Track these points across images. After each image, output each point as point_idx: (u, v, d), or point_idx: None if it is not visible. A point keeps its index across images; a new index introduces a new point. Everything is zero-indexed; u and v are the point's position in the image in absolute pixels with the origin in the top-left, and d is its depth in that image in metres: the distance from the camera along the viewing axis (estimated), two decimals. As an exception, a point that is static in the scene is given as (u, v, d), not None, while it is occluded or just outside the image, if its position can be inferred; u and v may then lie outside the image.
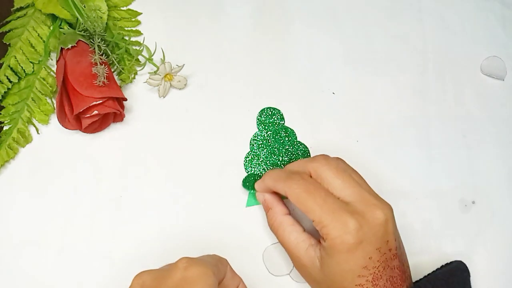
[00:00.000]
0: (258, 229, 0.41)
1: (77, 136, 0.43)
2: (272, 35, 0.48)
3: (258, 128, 0.44)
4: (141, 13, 0.48)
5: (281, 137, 0.44)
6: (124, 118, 0.43)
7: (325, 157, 0.37)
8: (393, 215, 0.34)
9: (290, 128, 0.44)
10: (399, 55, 0.48)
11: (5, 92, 0.43)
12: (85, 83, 0.40)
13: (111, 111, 0.41)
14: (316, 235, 0.36)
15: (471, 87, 0.47)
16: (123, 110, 0.42)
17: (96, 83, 0.39)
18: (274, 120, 0.45)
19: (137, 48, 0.45)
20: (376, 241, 0.32)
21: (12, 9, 0.45)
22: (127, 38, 0.46)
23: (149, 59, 0.45)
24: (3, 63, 0.44)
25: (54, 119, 0.44)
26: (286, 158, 0.43)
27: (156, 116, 0.45)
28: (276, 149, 0.43)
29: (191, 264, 0.31)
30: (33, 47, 0.44)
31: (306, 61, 0.47)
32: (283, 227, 0.37)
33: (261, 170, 0.43)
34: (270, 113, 0.45)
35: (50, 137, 0.43)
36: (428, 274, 0.37)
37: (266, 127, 0.44)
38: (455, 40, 0.49)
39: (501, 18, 0.50)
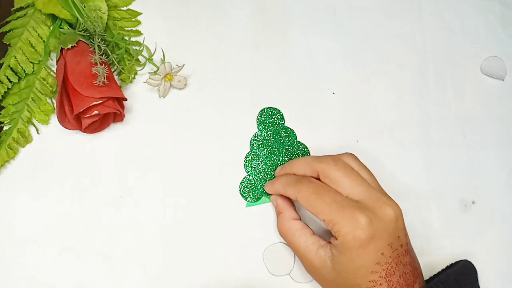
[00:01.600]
0: (258, 229, 0.41)
1: (77, 136, 0.43)
2: (272, 35, 0.48)
3: (258, 128, 0.44)
4: (141, 13, 0.48)
5: (281, 137, 0.44)
6: (124, 118, 0.43)
7: (333, 157, 0.37)
8: (402, 212, 0.34)
9: (290, 128, 0.44)
10: (399, 55, 0.48)
11: (5, 92, 0.43)
12: (85, 83, 0.39)
13: (111, 111, 0.41)
14: (325, 237, 0.36)
15: (471, 87, 0.47)
16: (123, 110, 0.42)
17: (96, 83, 0.39)
18: (274, 120, 0.44)
19: (137, 48, 0.45)
20: (388, 237, 0.33)
21: (12, 9, 0.45)
22: (127, 38, 0.46)
23: (149, 59, 0.45)
24: (3, 63, 0.44)
25: (54, 119, 0.44)
26: (286, 158, 0.43)
27: (156, 116, 0.45)
28: (276, 149, 0.43)
29: None
30: (33, 47, 0.44)
31: (306, 61, 0.47)
32: (292, 232, 0.37)
33: (260, 170, 0.43)
34: (270, 113, 0.45)
35: (50, 137, 0.43)
36: (439, 273, 0.37)
37: (266, 127, 0.44)
38: (455, 40, 0.49)
39: (501, 18, 0.50)
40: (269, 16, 0.49)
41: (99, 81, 0.39)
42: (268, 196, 0.42)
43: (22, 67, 0.44)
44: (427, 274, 0.39)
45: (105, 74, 0.40)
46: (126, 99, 0.42)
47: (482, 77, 0.48)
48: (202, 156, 0.43)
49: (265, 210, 0.42)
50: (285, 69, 0.47)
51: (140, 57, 0.45)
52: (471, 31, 0.50)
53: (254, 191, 0.42)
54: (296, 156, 0.43)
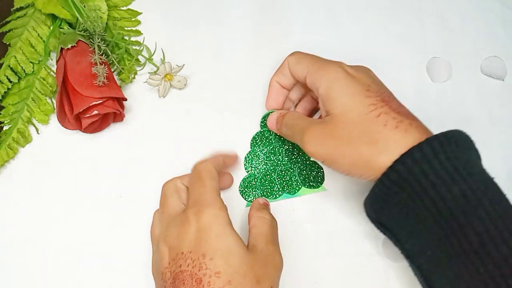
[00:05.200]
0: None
1: (77, 136, 0.43)
2: (272, 35, 0.48)
3: (260, 127, 0.44)
4: (141, 13, 0.48)
5: (281, 136, 0.43)
6: (124, 118, 0.43)
7: None
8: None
9: None
10: (399, 55, 0.48)
11: (5, 92, 0.43)
12: (85, 83, 0.40)
13: (111, 111, 0.41)
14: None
15: (471, 87, 0.47)
16: (123, 110, 0.42)
17: (96, 83, 0.39)
18: None
19: (137, 48, 0.45)
20: (367, 79, 0.35)
21: (12, 9, 0.45)
22: (127, 38, 0.46)
23: (149, 59, 0.45)
24: (3, 63, 0.44)
25: (54, 119, 0.44)
26: (286, 158, 0.43)
27: (156, 116, 0.45)
28: (276, 149, 0.43)
29: (199, 211, 0.32)
30: (33, 47, 0.44)
31: (306, 61, 0.47)
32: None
33: (260, 170, 0.43)
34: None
35: (50, 137, 0.43)
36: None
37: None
38: (455, 40, 0.49)
39: (501, 18, 0.50)
40: (269, 16, 0.49)
41: (99, 81, 0.39)
42: (269, 196, 0.42)
43: (22, 67, 0.44)
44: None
45: (105, 74, 0.40)
46: (126, 99, 0.42)
47: (482, 77, 0.48)
48: (202, 156, 0.43)
49: (265, 210, 0.42)
50: (285, 69, 0.47)
51: (140, 57, 0.45)
52: (471, 31, 0.50)
53: (254, 191, 0.42)
54: (296, 157, 0.43)
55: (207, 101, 0.45)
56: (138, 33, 0.47)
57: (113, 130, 0.44)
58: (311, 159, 0.43)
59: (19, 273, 0.39)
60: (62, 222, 0.41)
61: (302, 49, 0.48)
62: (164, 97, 0.45)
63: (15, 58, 0.44)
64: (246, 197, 0.42)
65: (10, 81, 0.43)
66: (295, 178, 0.42)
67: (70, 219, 0.41)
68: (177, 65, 0.44)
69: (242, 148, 0.44)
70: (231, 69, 0.46)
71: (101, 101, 0.39)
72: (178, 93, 0.45)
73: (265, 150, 0.43)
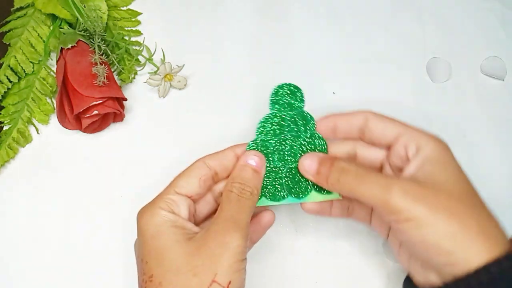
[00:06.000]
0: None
1: (77, 136, 0.43)
2: (272, 35, 0.48)
3: (270, 109, 0.36)
4: (141, 13, 0.48)
5: (297, 125, 0.35)
6: (124, 118, 0.43)
7: None
8: None
9: (310, 115, 0.36)
10: (399, 55, 0.48)
11: (5, 92, 0.43)
12: (85, 83, 0.40)
13: (111, 111, 0.41)
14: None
15: (471, 87, 0.47)
16: (123, 110, 0.42)
17: (96, 83, 0.39)
18: (293, 101, 0.36)
19: (137, 48, 0.45)
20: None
21: (12, 9, 0.45)
22: (127, 38, 0.46)
23: (149, 59, 0.45)
24: (3, 63, 0.44)
25: (54, 119, 0.44)
26: (298, 155, 0.35)
27: (156, 116, 0.45)
28: (288, 141, 0.35)
29: (139, 215, 0.32)
30: (33, 47, 0.44)
31: (306, 61, 0.47)
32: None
33: (269, 164, 0.35)
34: (288, 91, 0.36)
35: (50, 137, 0.43)
36: None
37: (281, 110, 0.36)
38: (455, 40, 0.49)
39: (501, 18, 0.50)
40: (269, 16, 0.49)
41: (99, 81, 0.39)
42: (271, 197, 0.35)
43: (22, 67, 0.44)
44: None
45: (105, 74, 0.40)
46: (126, 99, 0.42)
47: (482, 77, 0.48)
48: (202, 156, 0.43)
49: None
50: (285, 69, 0.47)
51: (140, 57, 0.45)
52: (471, 31, 0.50)
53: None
54: (311, 150, 0.35)
55: (207, 101, 0.45)
56: (138, 33, 0.47)
57: (113, 130, 0.44)
58: None
59: (19, 273, 0.39)
60: (62, 222, 0.41)
61: (302, 49, 0.48)
62: (164, 97, 0.45)
63: (15, 58, 0.44)
64: None
65: (10, 81, 0.43)
66: (305, 179, 0.35)
67: (70, 219, 0.41)
68: (177, 65, 0.44)
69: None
70: (231, 69, 0.46)
71: (101, 101, 0.39)
72: (178, 93, 0.45)
73: (274, 141, 0.35)
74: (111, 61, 0.43)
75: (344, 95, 0.46)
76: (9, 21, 0.45)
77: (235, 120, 0.45)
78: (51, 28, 0.45)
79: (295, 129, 0.35)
